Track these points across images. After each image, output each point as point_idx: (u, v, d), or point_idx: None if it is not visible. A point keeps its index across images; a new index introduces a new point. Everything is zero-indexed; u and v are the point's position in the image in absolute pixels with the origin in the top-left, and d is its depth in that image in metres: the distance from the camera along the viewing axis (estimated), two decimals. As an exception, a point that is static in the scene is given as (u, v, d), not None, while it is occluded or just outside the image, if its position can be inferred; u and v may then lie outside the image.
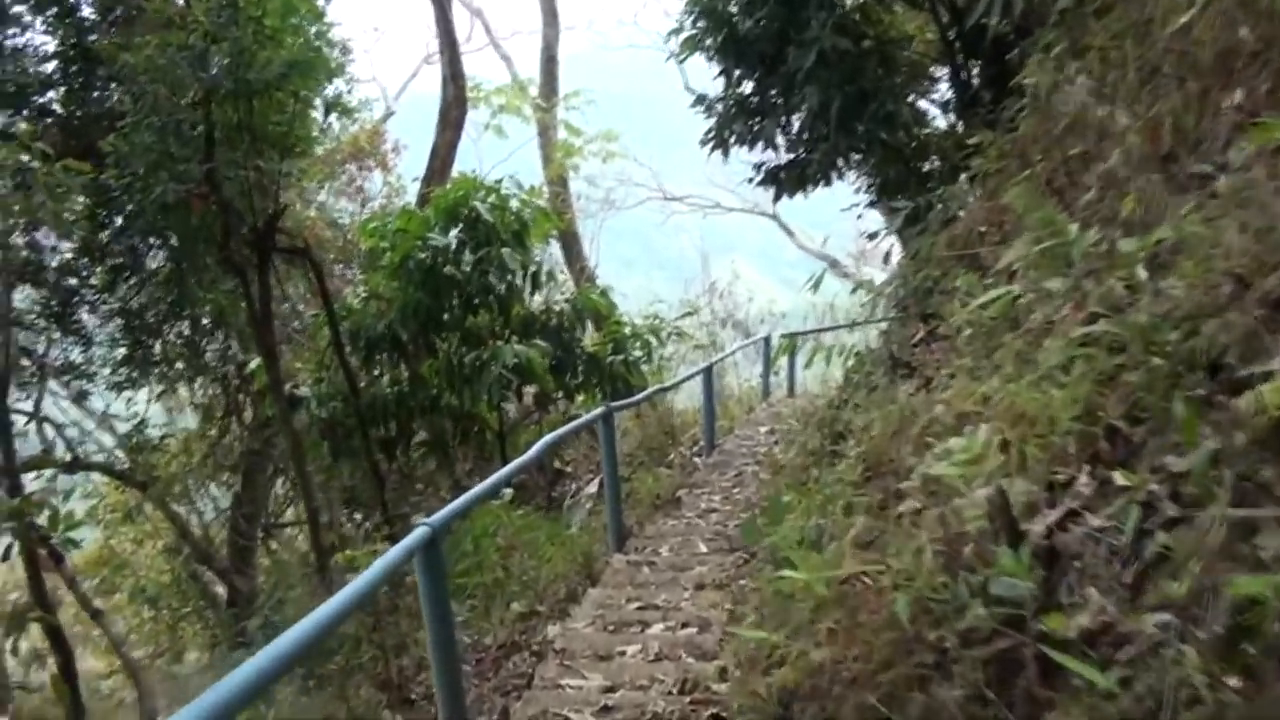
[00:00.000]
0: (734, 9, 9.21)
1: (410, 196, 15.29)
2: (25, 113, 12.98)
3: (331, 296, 10.19)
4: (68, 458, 14.99)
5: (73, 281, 14.10)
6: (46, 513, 6.24)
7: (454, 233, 10.30)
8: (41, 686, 8.76)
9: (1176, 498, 1.95)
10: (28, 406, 14.65)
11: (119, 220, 12.40)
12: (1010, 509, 2.08)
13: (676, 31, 9.91)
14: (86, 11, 12.51)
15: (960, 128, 9.44)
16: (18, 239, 12.89)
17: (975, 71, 9.40)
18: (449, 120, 14.87)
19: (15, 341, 13.84)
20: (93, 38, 11.77)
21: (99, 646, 18.72)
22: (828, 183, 10.02)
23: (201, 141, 8.01)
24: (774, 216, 26.05)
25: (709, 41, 9.65)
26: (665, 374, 13.23)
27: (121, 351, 14.46)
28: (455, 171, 14.26)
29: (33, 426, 14.98)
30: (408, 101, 23.92)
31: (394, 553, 3.59)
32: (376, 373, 10.99)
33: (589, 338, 12.05)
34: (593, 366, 11.37)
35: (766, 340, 15.18)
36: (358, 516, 12.89)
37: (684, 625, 5.39)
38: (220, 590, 16.23)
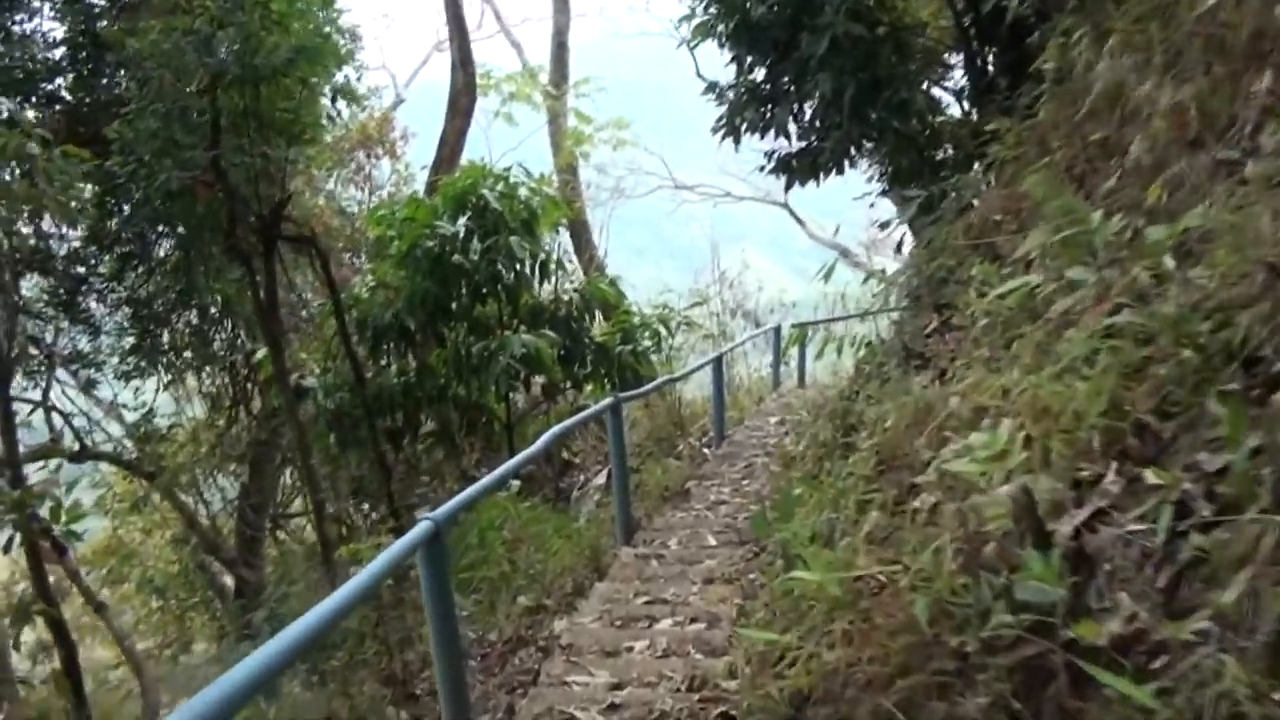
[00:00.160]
0: (746, -6, 9.08)
1: (419, 185, 15.20)
2: (33, 100, 12.94)
3: (339, 286, 10.11)
4: (75, 447, 14.99)
5: (81, 270, 14.08)
6: (48, 504, 6.15)
7: (462, 221, 10.21)
8: (47, 680, 8.73)
9: (1212, 497, 1.85)
10: (36, 396, 14.66)
11: (127, 209, 12.37)
12: (1036, 508, 1.99)
13: (688, 17, 9.77)
14: (96, -3, 12.47)
15: (975, 116, 9.31)
16: (25, 228, 12.88)
17: (990, 58, 9.25)
18: (458, 107, 14.76)
19: (23, 330, 13.85)
20: (102, 24, 11.68)
21: (107, 637, 18.77)
22: (840, 171, 9.89)
23: (207, 128, 7.92)
24: (785, 205, 25.90)
25: (721, 27, 9.52)
26: (675, 364, 13.13)
27: (130, 340, 14.46)
28: (464, 160, 14.16)
29: (41, 416, 14.99)
30: (418, 89, 23.81)
31: (396, 547, 3.50)
32: (384, 362, 10.92)
33: (598, 327, 11.95)
34: (601, 356, 11.27)
35: (776, 330, 15.05)
36: (365, 507, 12.86)
37: (693, 620, 5.30)
38: (228, 581, 16.24)
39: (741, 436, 10.91)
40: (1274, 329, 2.18)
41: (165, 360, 14.87)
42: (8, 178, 7.97)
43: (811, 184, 10.24)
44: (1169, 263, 2.72)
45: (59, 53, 12.86)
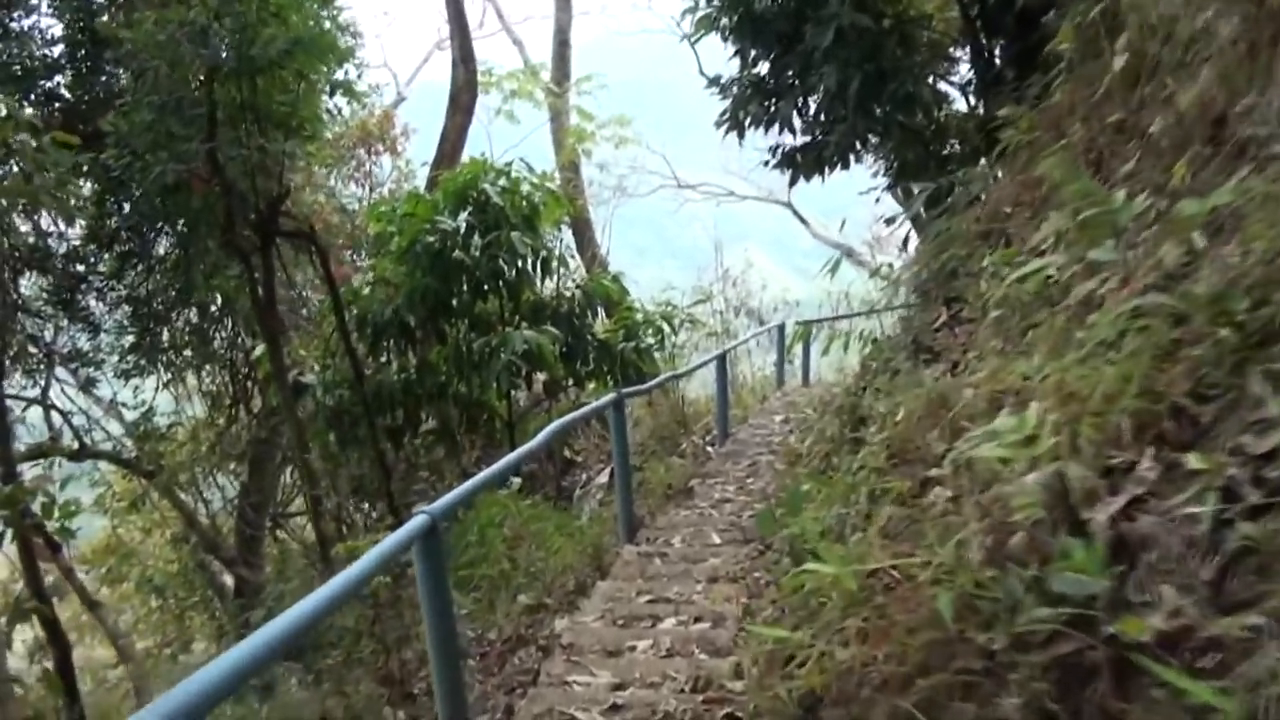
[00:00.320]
0: (751, -14, 8.97)
1: (420, 182, 15.10)
2: (32, 97, 12.84)
3: (339, 283, 10.00)
4: (75, 445, 14.90)
5: (80, 268, 13.98)
6: (40, 500, 6.02)
7: (463, 216, 10.10)
8: (41, 678, 8.62)
9: (1259, 483, 1.71)
10: (35, 394, 14.57)
11: (126, 206, 12.27)
12: (1069, 495, 1.86)
13: (691, 10, 9.65)
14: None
15: (981, 109, 9.21)
16: (23, 225, 12.79)
17: (997, 50, 9.14)
18: (459, 104, 14.64)
19: (22, 328, 13.76)
20: (101, 20, 11.58)
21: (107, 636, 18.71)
22: (845, 165, 9.79)
23: (203, 121, 7.79)
24: (788, 204, 25.79)
25: (724, 21, 9.42)
26: (678, 362, 13.00)
27: (129, 339, 14.36)
28: (465, 157, 14.04)
29: (40, 414, 14.90)
30: (419, 89, 23.73)
31: (390, 541, 3.38)
32: (384, 359, 10.80)
33: (600, 324, 11.82)
34: (604, 353, 11.14)
35: (780, 328, 14.92)
36: (366, 506, 12.74)
37: (697, 619, 5.17)
38: (228, 580, 16.12)
39: (745, 435, 10.78)
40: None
41: (165, 358, 14.77)
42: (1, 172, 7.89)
43: (815, 182, 10.14)
44: (1199, 240, 2.59)
45: (57, 50, 12.74)
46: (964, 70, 10.05)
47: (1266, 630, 1.48)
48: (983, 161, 8.48)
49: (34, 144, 5.98)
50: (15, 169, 7.67)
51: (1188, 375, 2.18)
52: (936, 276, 6.69)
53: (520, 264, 10.27)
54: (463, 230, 10.02)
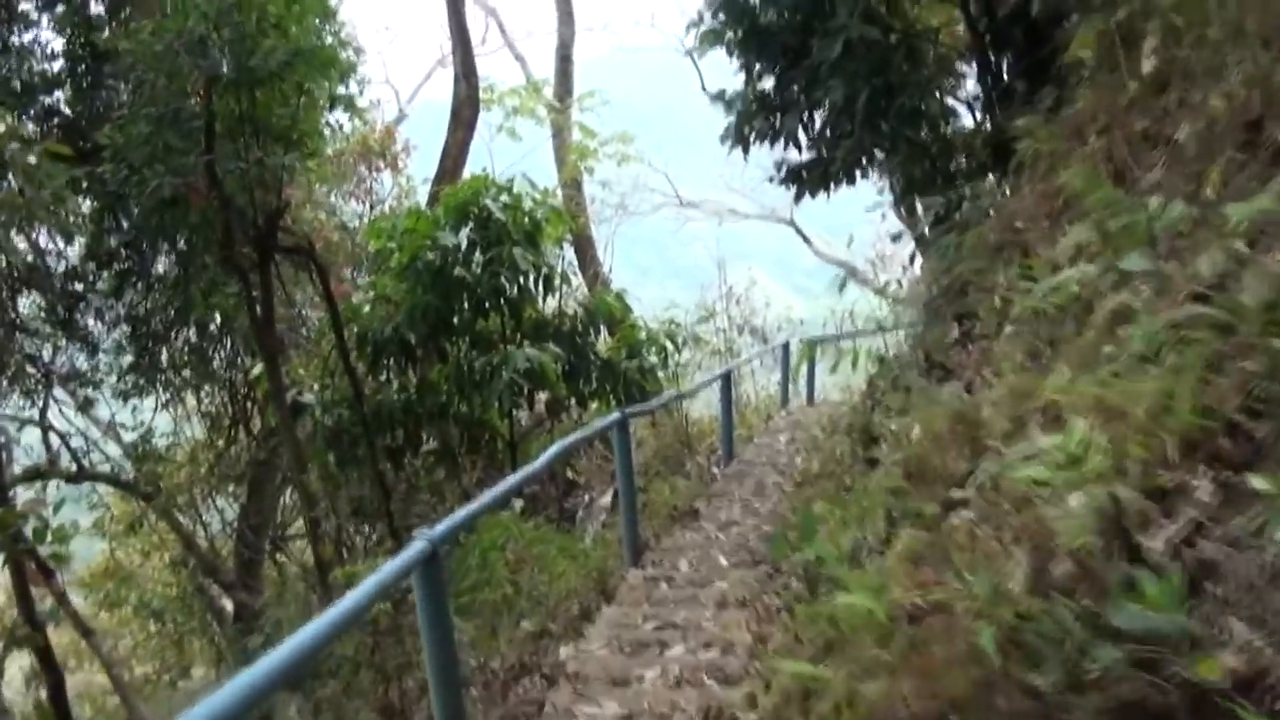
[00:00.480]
0: (756, 0, 8.88)
1: (421, 199, 14.99)
2: (32, 113, 12.78)
3: (340, 300, 9.85)
4: (73, 467, 14.74)
5: (78, 287, 13.88)
6: (32, 524, 5.86)
7: (464, 232, 9.96)
8: (39, 705, 8.45)
9: (1333, 507, 1.56)
10: (33, 414, 14.44)
11: (125, 223, 12.17)
12: (1124, 520, 1.71)
13: (695, 25, 9.56)
14: (95, 8, 12.30)
15: (988, 124, 9.11)
16: (21, 243, 12.69)
17: (1006, 64, 9.05)
18: (461, 119, 14.54)
19: (20, 348, 13.64)
20: (103, 36, 11.51)
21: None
22: (851, 181, 9.68)
23: (201, 133, 7.67)
24: (791, 223, 25.70)
25: (729, 35, 9.33)
26: (681, 381, 12.85)
27: (128, 359, 14.24)
28: (467, 173, 13.93)
29: (38, 435, 14.76)
30: (420, 106, 23.70)
31: (389, 568, 3.23)
32: (384, 378, 10.63)
33: (603, 342, 11.67)
34: (607, 372, 10.98)
35: (785, 347, 14.77)
36: (366, 527, 12.56)
37: (706, 646, 5.00)
38: (227, 604, 15.91)
39: (751, 455, 10.63)
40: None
41: (163, 378, 14.65)
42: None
43: (817, 201, 10.04)
44: (1242, 248, 2.45)
45: (57, 65, 12.68)
46: (970, 85, 9.95)
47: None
48: (990, 177, 8.37)
49: (32, 160, 5.87)
50: (11, 185, 7.59)
51: (1238, 389, 2.04)
52: (945, 293, 6.56)
53: (522, 281, 10.12)
54: (464, 246, 9.88)
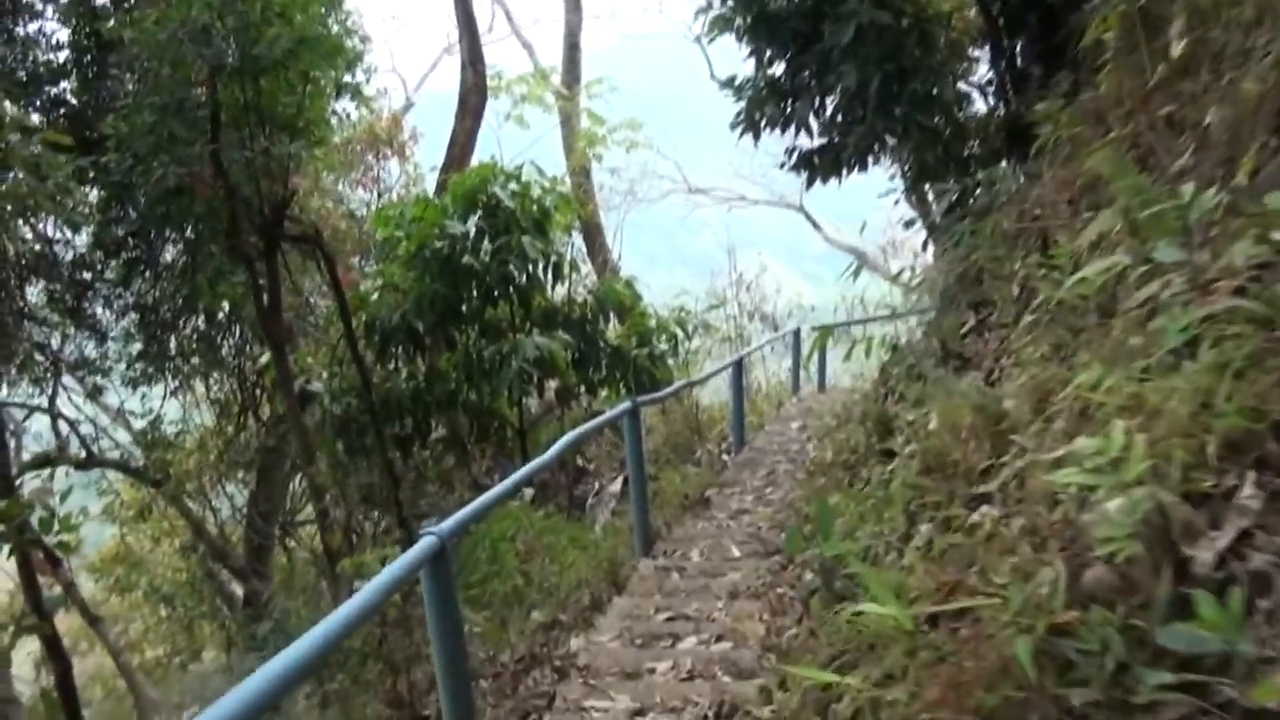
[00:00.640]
0: (765, -15, 8.76)
1: (428, 187, 14.91)
2: (38, 104, 12.72)
3: (345, 288, 9.79)
4: (82, 454, 14.75)
5: (87, 275, 13.85)
6: (38, 514, 5.82)
7: (472, 220, 9.90)
8: (45, 692, 8.46)
9: (1392, 515, 1.48)
10: (42, 402, 14.44)
11: (133, 212, 12.11)
12: (1170, 530, 1.62)
13: (704, 11, 9.44)
14: (99, -2, 12.22)
15: (1001, 110, 9.00)
16: (28, 233, 12.67)
17: (1019, 48, 8.93)
18: (468, 107, 14.43)
19: (29, 336, 13.64)
20: (109, 25, 11.43)
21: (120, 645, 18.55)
22: (863, 168, 9.58)
23: (206, 122, 7.59)
24: (800, 209, 25.56)
25: (739, 20, 9.20)
26: (692, 368, 12.78)
27: (137, 346, 14.23)
28: (475, 161, 13.83)
29: (47, 423, 14.78)
30: (427, 95, 23.61)
31: (397, 565, 3.17)
32: (392, 366, 10.59)
33: (612, 330, 11.61)
34: (616, 360, 10.92)
35: (796, 333, 14.67)
36: (376, 515, 12.55)
37: (718, 639, 4.94)
38: (238, 589, 15.95)
39: (762, 443, 10.55)
40: None
41: (172, 366, 14.63)
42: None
43: (828, 187, 9.93)
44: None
45: (63, 55, 12.60)
46: (983, 71, 9.83)
47: None
48: (1003, 163, 8.26)
49: (35, 149, 5.81)
50: (17, 175, 7.53)
51: (1281, 387, 1.95)
52: (962, 280, 6.47)
53: (531, 269, 10.07)
54: (472, 235, 9.82)
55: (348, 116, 13.83)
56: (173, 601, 16.80)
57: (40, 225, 12.76)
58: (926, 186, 11.04)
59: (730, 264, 17.09)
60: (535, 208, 10.18)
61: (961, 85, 9.79)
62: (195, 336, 14.79)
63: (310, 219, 10.79)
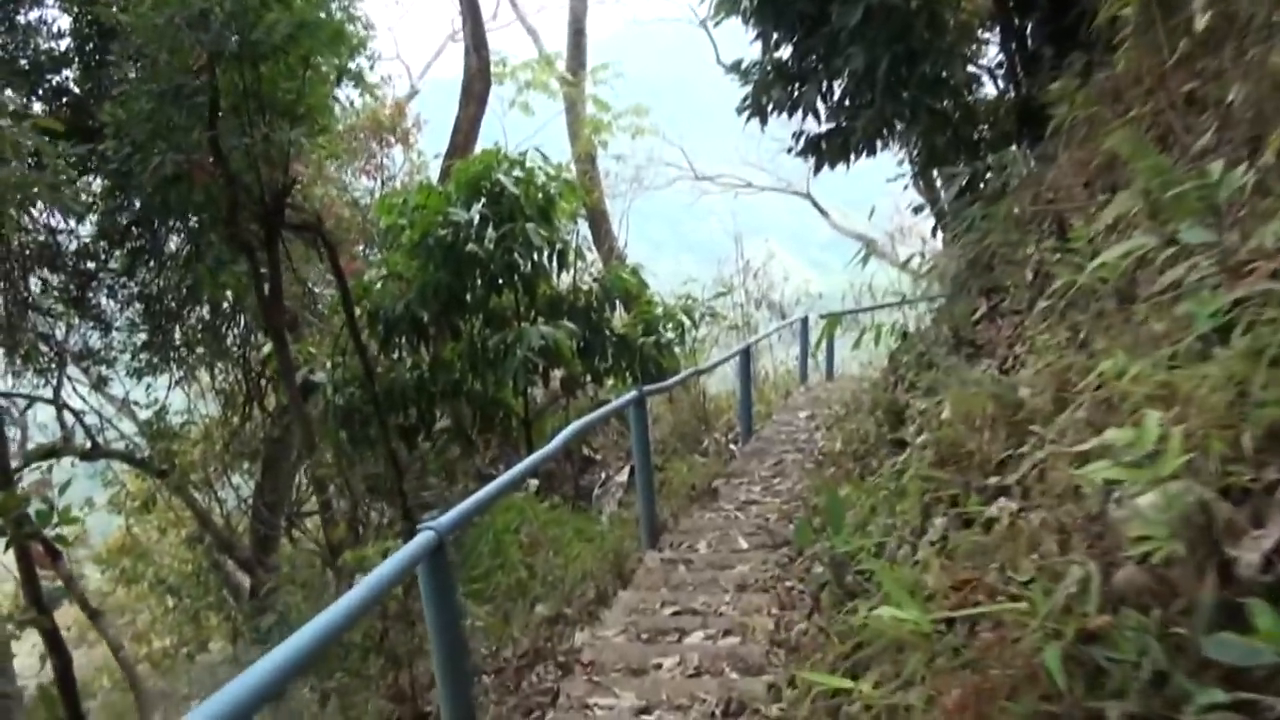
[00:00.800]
0: (773, -34, 8.62)
1: (433, 175, 14.78)
2: (39, 93, 12.63)
3: (348, 276, 9.68)
4: (87, 445, 14.71)
5: (91, 265, 13.79)
6: (35, 506, 5.74)
7: (476, 207, 9.77)
8: (42, 688, 8.39)
9: None
10: (47, 393, 14.40)
11: (137, 202, 12.02)
12: (1214, 529, 1.51)
13: (711, -8, 9.30)
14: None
15: (1012, 93, 8.86)
16: (30, 223, 12.59)
17: (1030, 29, 8.79)
18: (472, 93, 14.29)
19: (33, 327, 13.59)
20: (105, 8, 11.31)
21: (125, 635, 18.57)
22: (872, 152, 9.46)
23: (204, 109, 7.47)
24: (808, 196, 25.39)
25: (745, 3, 9.06)
26: (699, 356, 12.66)
27: (141, 337, 14.18)
28: (479, 149, 13.69)
29: (52, 413, 14.74)
30: (432, 84, 23.43)
31: (393, 561, 3.07)
32: (396, 356, 10.49)
33: (619, 318, 11.48)
34: (623, 349, 10.80)
35: (804, 321, 14.53)
36: (383, 506, 12.48)
37: (726, 633, 4.84)
38: (244, 580, 15.92)
39: (770, 432, 10.44)
40: None
41: (177, 356, 14.57)
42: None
43: (834, 174, 9.82)
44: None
45: (64, 43, 12.49)
46: (993, 53, 9.69)
47: None
48: (1014, 147, 8.12)
49: (14, 127, 5.69)
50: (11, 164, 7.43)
51: (1323, 375, 1.83)
52: (974, 266, 6.35)
53: (536, 257, 9.94)
54: (476, 222, 9.69)
55: (351, 104, 13.73)
56: (178, 593, 16.79)
57: (44, 216, 12.70)
58: (935, 172, 10.92)
59: (737, 251, 16.95)
60: (540, 194, 10.05)
61: (971, 68, 9.66)
62: (200, 326, 14.75)
63: (313, 207, 10.67)
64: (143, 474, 16.14)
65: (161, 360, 14.39)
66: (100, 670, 17.70)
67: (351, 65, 9.31)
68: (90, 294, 13.96)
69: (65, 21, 12.39)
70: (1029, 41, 8.61)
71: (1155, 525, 1.54)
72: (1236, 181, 2.53)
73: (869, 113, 8.82)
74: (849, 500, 4.20)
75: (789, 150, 9.98)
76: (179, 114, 7.56)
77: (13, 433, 14.65)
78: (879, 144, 9.43)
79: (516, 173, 9.94)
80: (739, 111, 9.65)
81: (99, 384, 14.90)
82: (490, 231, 9.71)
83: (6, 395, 13.92)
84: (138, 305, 14.17)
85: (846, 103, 9.26)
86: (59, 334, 14.35)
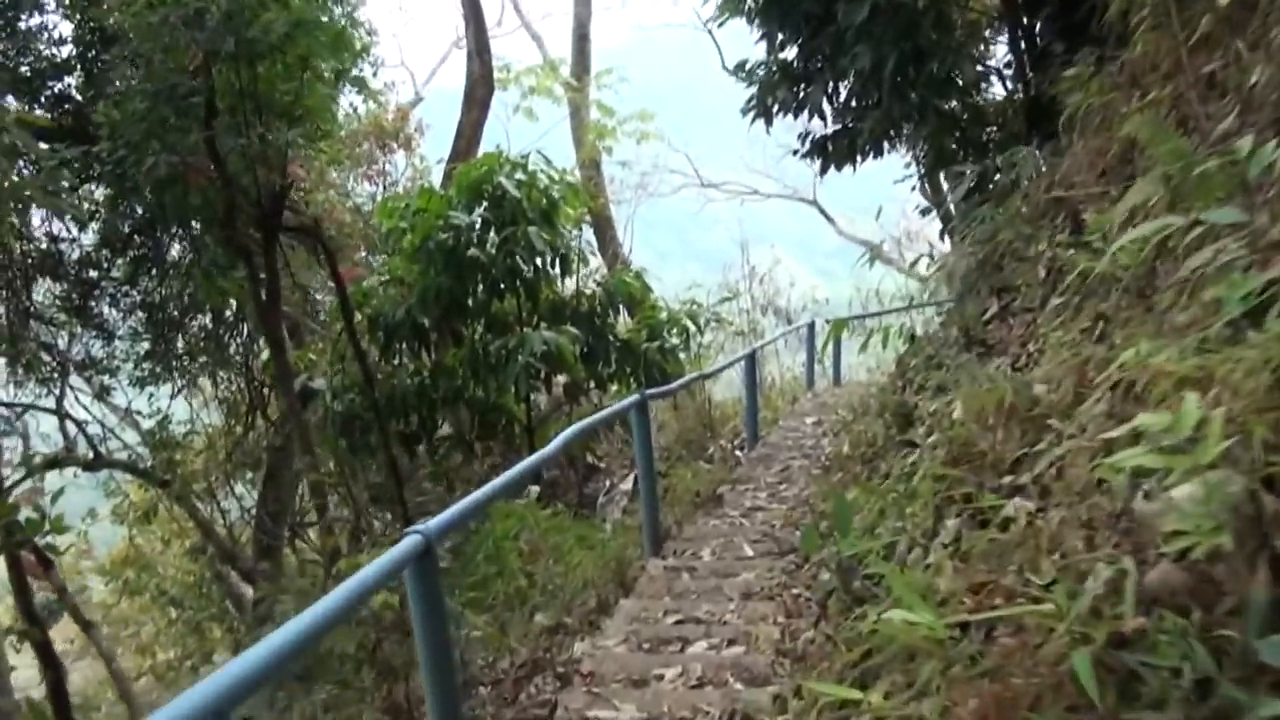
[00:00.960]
0: (777, -35, 8.53)
1: (435, 180, 14.69)
2: (42, 100, 12.57)
3: (347, 281, 9.55)
4: (90, 455, 14.62)
5: (93, 274, 13.72)
6: (26, 514, 5.61)
7: (478, 211, 9.65)
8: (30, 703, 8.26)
9: None
10: (49, 403, 14.32)
11: (139, 209, 11.94)
12: (1263, 521, 1.36)
13: (715, -8, 9.21)
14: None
15: (1020, 93, 8.74)
16: (32, 231, 12.53)
17: (1038, 28, 8.67)
18: (474, 98, 14.19)
19: (35, 336, 13.52)
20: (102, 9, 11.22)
21: (129, 648, 18.47)
22: (879, 153, 9.34)
23: (200, 109, 7.36)
24: (814, 203, 25.28)
25: (749, 3, 8.97)
26: (704, 362, 12.51)
27: (144, 346, 14.09)
28: (482, 154, 13.59)
29: (55, 424, 14.66)
30: (435, 92, 23.39)
31: (376, 566, 2.92)
32: (397, 362, 10.35)
33: (622, 324, 11.33)
34: (626, 354, 10.65)
35: (810, 327, 14.37)
36: (388, 515, 12.35)
37: (730, 642, 4.67)
38: (248, 591, 15.79)
39: (776, 438, 10.28)
40: None
41: (180, 365, 14.49)
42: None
43: (840, 182, 9.74)
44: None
45: (66, 50, 12.41)
46: (1001, 52, 9.58)
47: None
48: (1024, 150, 7.99)
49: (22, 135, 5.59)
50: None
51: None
52: (983, 265, 6.23)
53: (538, 261, 9.80)
54: (478, 226, 9.57)
55: (354, 109, 13.64)
56: (181, 604, 16.67)
57: (46, 224, 12.64)
58: (942, 175, 10.79)
59: (743, 257, 16.81)
60: (542, 198, 9.92)
61: (979, 68, 9.53)
62: (203, 335, 14.66)
63: (315, 212, 10.56)
64: (145, 484, 16.05)
65: (164, 369, 14.32)
66: (104, 683, 17.56)
67: (355, 71, 9.22)
68: (93, 303, 13.89)
69: (67, 28, 12.32)
70: (1038, 39, 8.49)
71: (1196, 518, 1.39)
72: (1268, 157, 2.38)
73: (876, 113, 8.71)
74: (857, 504, 4.05)
75: (795, 152, 9.87)
76: (174, 114, 7.44)
77: (15, 443, 14.60)
78: (886, 145, 9.32)
79: (518, 176, 9.82)
80: (743, 113, 9.54)
81: (102, 393, 14.84)
82: (492, 235, 9.59)
83: (9, 405, 13.86)
84: (140, 314, 14.10)
85: (853, 103, 9.15)
86: (61, 343, 14.30)
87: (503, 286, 9.81)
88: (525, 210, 9.64)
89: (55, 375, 14.17)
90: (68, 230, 13.11)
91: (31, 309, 13.44)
